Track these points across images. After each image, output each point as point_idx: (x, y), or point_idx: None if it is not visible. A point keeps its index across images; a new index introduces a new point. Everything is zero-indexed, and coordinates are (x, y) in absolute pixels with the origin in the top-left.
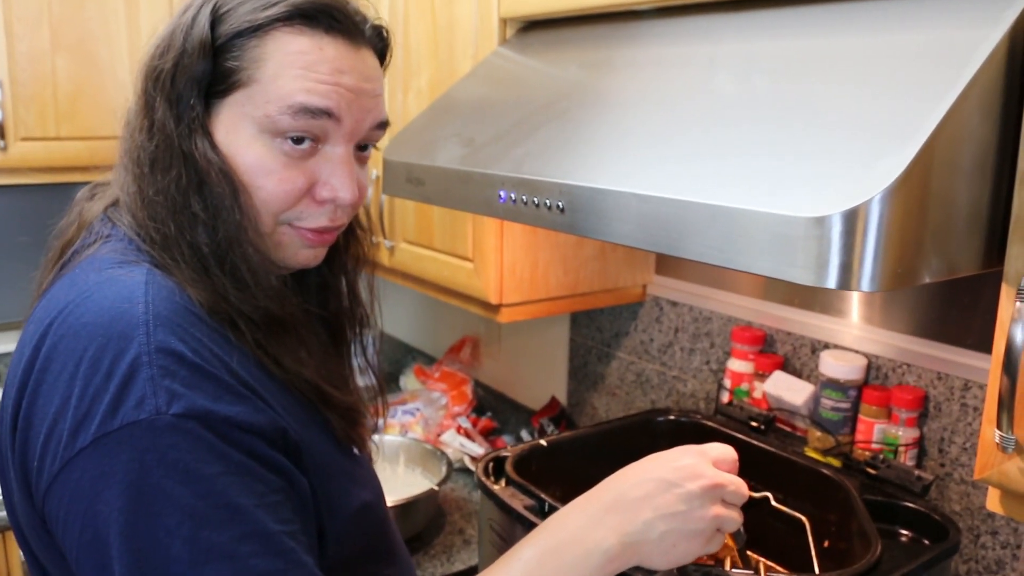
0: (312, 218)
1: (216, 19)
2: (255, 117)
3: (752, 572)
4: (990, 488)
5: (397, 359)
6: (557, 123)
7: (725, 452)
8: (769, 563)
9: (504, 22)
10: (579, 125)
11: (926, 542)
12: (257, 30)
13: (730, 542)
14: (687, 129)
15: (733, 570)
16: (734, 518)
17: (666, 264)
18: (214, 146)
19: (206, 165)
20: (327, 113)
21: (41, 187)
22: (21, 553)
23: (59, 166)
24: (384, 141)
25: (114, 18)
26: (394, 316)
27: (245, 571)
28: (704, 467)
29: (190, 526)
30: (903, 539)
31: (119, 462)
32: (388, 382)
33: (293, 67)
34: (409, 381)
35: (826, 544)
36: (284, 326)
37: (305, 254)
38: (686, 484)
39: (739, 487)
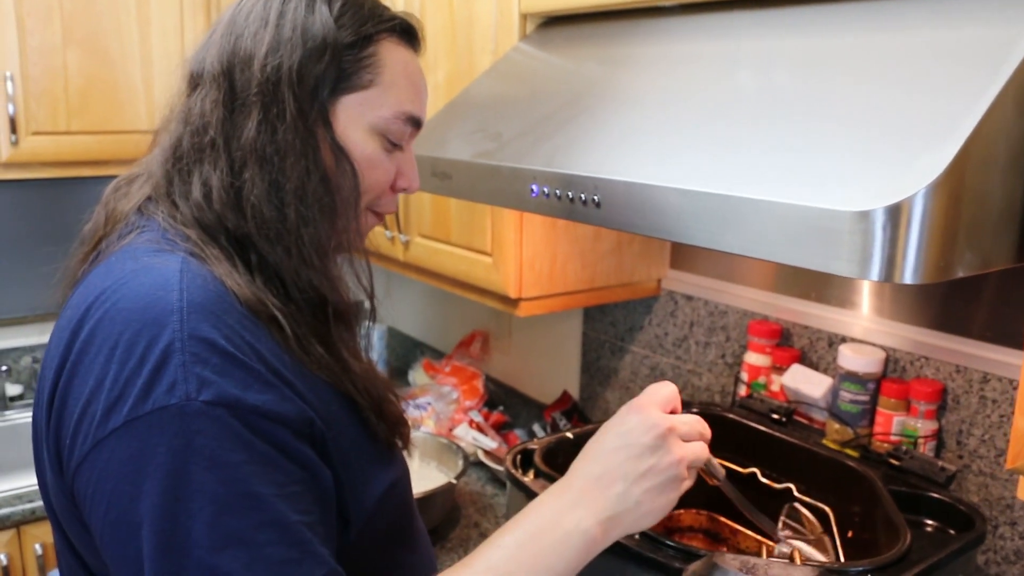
0: (388, 204)
1: (336, 21)
2: (370, 117)
3: (787, 559)
4: (1021, 478)
5: (405, 353)
6: (584, 118)
7: (659, 392)
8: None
9: (524, 17)
10: (607, 120)
11: (951, 532)
12: (372, 36)
13: (711, 481)
14: (714, 125)
15: (770, 559)
16: (698, 452)
17: (681, 258)
18: (335, 140)
19: (332, 158)
20: (421, 123)
21: (52, 181)
22: (37, 547)
23: (69, 160)
24: None
25: (125, 13)
26: (402, 311)
27: (261, 559)
28: (650, 417)
29: (212, 511)
30: (928, 529)
31: (148, 445)
32: (397, 377)
33: (403, 77)
34: (418, 376)
35: (850, 535)
36: (346, 316)
37: (365, 238)
38: (642, 440)
39: (692, 424)
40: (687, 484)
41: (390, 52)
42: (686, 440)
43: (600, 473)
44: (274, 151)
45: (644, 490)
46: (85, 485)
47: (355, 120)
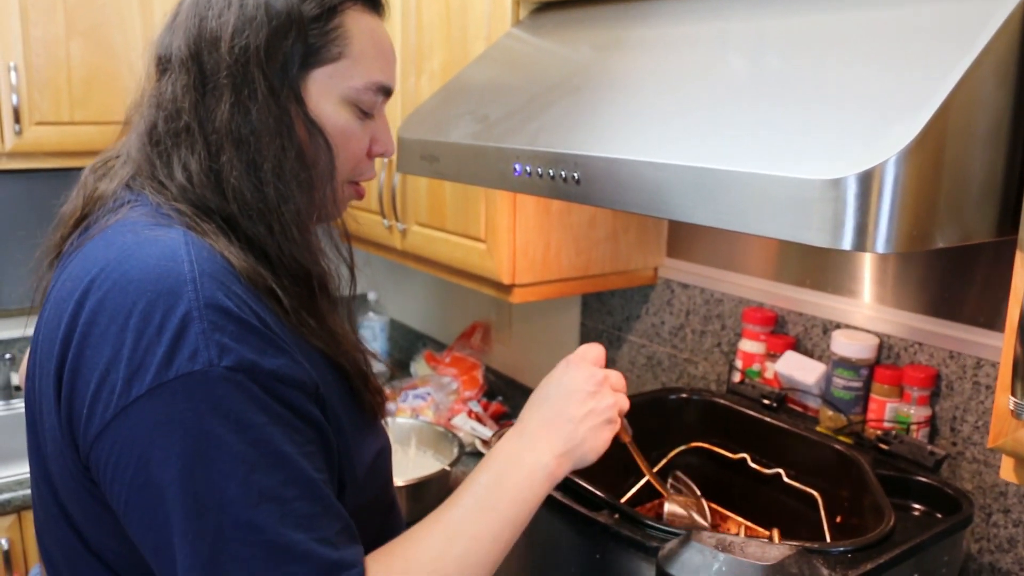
0: (367, 172)
1: None
2: (341, 89)
3: (767, 539)
4: (1004, 457)
5: (407, 345)
6: (570, 100)
7: (591, 350)
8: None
9: (517, 3)
10: (593, 102)
11: (939, 516)
12: (337, 6)
13: (623, 437)
14: (699, 104)
15: (751, 538)
16: (623, 402)
17: (677, 246)
18: (308, 115)
19: (306, 134)
20: (391, 91)
21: (55, 171)
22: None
23: (72, 150)
24: (398, 120)
25: (127, 4)
26: (404, 303)
27: (291, 513)
28: (588, 368)
29: (244, 470)
30: (916, 513)
31: (176, 410)
32: (398, 368)
33: (371, 46)
34: (419, 367)
35: (839, 519)
36: (329, 288)
37: (344, 209)
38: (583, 387)
39: (619, 376)
40: (616, 427)
41: (356, 21)
42: (615, 390)
43: (550, 417)
44: (249, 132)
45: (587, 428)
46: (108, 453)
47: (326, 93)
